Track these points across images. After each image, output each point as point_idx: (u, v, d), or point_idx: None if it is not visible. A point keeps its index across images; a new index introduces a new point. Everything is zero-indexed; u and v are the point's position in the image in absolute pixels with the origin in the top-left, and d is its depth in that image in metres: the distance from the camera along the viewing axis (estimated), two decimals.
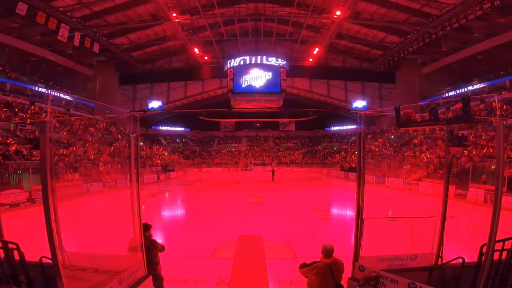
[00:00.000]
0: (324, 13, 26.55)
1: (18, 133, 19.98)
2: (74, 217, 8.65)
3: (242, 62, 36.33)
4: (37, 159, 15.35)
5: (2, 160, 15.01)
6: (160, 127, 44.99)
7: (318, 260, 3.24)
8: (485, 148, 16.23)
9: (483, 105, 23.84)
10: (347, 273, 3.50)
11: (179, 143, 45.84)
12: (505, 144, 11.99)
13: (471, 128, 19.27)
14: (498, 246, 2.85)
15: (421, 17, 24.84)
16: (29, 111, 24.63)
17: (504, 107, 21.04)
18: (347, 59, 38.32)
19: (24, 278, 3.08)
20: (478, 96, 23.48)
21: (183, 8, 26.26)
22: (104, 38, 28.31)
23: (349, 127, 43.72)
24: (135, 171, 3.83)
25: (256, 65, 36.52)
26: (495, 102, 23.08)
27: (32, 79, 28.93)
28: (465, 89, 28.35)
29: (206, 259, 6.26)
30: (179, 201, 16.69)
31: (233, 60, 36.44)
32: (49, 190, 2.61)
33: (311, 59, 36.32)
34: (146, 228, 3.93)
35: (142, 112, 36.02)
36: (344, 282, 3.34)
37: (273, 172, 25.92)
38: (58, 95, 29.76)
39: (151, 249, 3.90)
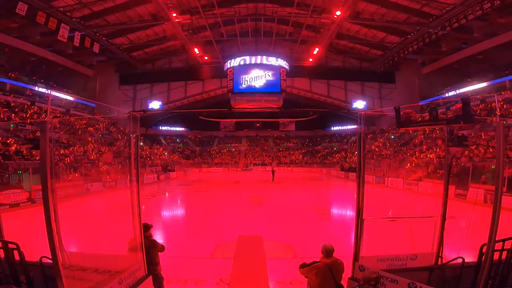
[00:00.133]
0: (324, 13, 26.55)
1: (18, 133, 19.98)
2: (74, 217, 8.65)
3: (242, 62, 36.34)
4: (37, 159, 15.36)
5: (2, 160, 15.02)
6: (160, 127, 44.99)
7: (318, 260, 3.24)
8: (484, 148, 16.23)
9: (483, 105, 23.83)
10: (347, 273, 3.51)
11: (179, 143, 45.85)
12: (505, 144, 11.99)
13: (471, 128, 19.26)
14: (498, 246, 2.85)
15: (421, 17, 24.85)
16: (29, 111, 24.63)
17: (505, 106, 21.04)
18: (347, 59, 38.32)
19: (24, 278, 3.08)
20: (478, 96, 23.47)
21: (183, 8, 26.26)
22: (104, 38, 28.31)
23: (349, 127, 43.73)
24: (135, 171, 3.83)
25: (256, 65, 36.52)
26: (495, 102, 23.08)
27: (32, 79, 28.93)
28: (465, 89, 28.35)
29: (206, 259, 6.26)
30: (179, 201, 16.69)
31: (233, 60, 36.44)
32: (49, 190, 2.62)
33: (311, 59, 36.33)
34: (146, 228, 3.93)
35: (142, 112, 36.00)
36: (344, 282, 3.34)
37: (273, 172, 25.92)
38: (58, 95, 29.77)
39: (151, 249, 3.90)
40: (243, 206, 13.48)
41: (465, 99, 3.32)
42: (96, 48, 26.44)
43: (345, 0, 23.64)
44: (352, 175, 25.58)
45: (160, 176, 26.65)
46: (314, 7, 25.82)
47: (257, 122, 46.00)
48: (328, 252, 3.22)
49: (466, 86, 28.47)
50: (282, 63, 36.70)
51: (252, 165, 41.85)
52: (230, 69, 36.63)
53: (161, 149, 39.49)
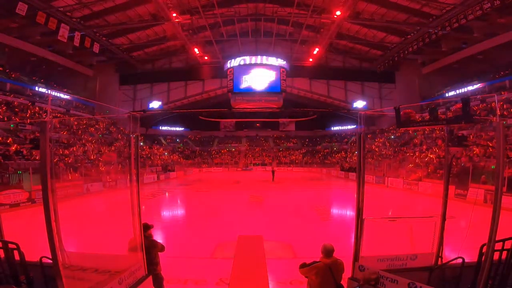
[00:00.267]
0: (324, 13, 26.56)
1: (18, 133, 19.98)
2: (74, 217, 8.65)
3: (242, 62, 36.34)
4: (37, 159, 15.36)
5: (2, 160, 15.02)
6: (160, 127, 44.99)
7: (318, 260, 3.24)
8: (485, 148, 16.23)
9: (483, 105, 23.83)
10: (347, 273, 3.51)
11: (179, 143, 45.85)
12: (505, 144, 11.99)
13: (471, 128, 19.27)
14: (498, 246, 2.85)
15: (421, 17, 24.85)
16: (29, 111, 24.64)
17: (505, 106, 21.05)
18: (347, 59, 38.33)
19: (24, 278, 3.08)
20: (478, 96, 23.48)
21: (183, 8, 26.27)
22: (104, 38, 28.32)
23: (349, 127, 43.72)
24: (135, 171, 3.83)
25: (256, 65, 36.52)
26: (495, 102, 23.07)
27: (32, 79, 28.94)
28: (465, 89, 28.35)
29: (206, 259, 6.26)
30: (179, 201, 16.69)
31: (233, 60, 36.45)
32: (49, 190, 2.61)
33: (311, 59, 36.34)
34: (146, 228, 3.93)
35: (142, 112, 36.03)
36: (344, 282, 3.34)
37: (273, 172, 25.92)
38: (58, 95, 29.78)
39: (151, 249, 3.90)
40: (243, 206, 13.48)
41: (465, 99, 3.31)
42: (96, 48, 26.45)
43: (345, 0, 23.65)
44: (352, 175, 25.57)
45: (160, 176, 26.65)
46: (314, 7, 25.83)
47: (257, 122, 45.98)
48: (328, 252, 3.22)
49: (466, 86, 28.48)
50: (282, 63, 36.69)
51: (252, 165, 41.85)
52: (230, 69, 36.63)
53: (161, 149, 39.49)
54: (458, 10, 21.33)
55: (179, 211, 13.59)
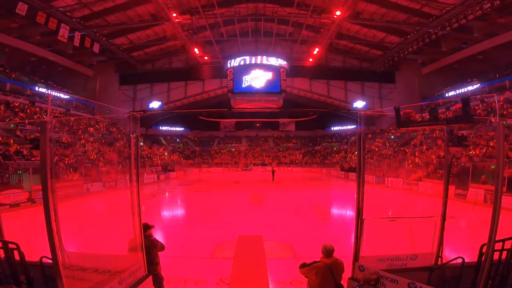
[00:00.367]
0: (324, 13, 26.56)
1: (18, 133, 19.99)
2: (74, 217, 8.65)
3: (242, 62, 36.35)
4: (37, 159, 15.35)
5: (2, 160, 15.02)
6: (160, 127, 44.99)
7: (318, 260, 3.24)
8: (485, 148, 16.23)
9: (483, 105, 23.84)
10: (347, 273, 3.51)
11: (179, 143, 45.86)
12: (505, 144, 11.99)
13: (471, 128, 19.27)
14: (498, 246, 2.85)
15: (421, 17, 24.86)
16: (29, 111, 24.64)
17: (505, 106, 21.05)
18: (347, 59, 38.34)
19: (24, 278, 3.08)
20: (478, 96, 23.49)
21: (183, 8, 26.28)
22: (104, 38, 28.32)
23: (349, 127, 43.73)
24: (135, 171, 3.83)
25: (256, 65, 36.52)
26: (495, 102, 23.06)
27: (32, 79, 28.95)
28: (465, 89, 28.35)
29: (206, 259, 6.26)
30: (179, 201, 16.69)
31: (233, 60, 36.45)
32: (49, 190, 2.61)
33: (311, 59, 36.34)
34: (146, 228, 3.93)
35: (142, 112, 36.04)
36: (344, 282, 3.34)
37: (273, 172, 25.93)
38: (58, 95, 29.78)
39: (151, 249, 3.90)
40: (243, 206, 13.48)
41: (465, 99, 3.31)
42: (96, 48, 26.46)
43: (345, 0, 23.65)
44: (352, 175, 25.57)
45: (160, 176, 26.66)
46: (314, 7, 25.83)
47: (257, 122, 45.99)
48: (328, 252, 3.22)
49: (466, 86, 28.48)
50: (282, 63, 36.71)
51: (252, 165, 41.85)
52: (230, 69, 36.64)
53: (161, 149, 39.49)
54: (458, 10, 21.33)
55: (179, 211, 13.59)
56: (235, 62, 36.44)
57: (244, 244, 6.32)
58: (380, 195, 16.38)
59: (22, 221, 9.30)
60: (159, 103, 39.78)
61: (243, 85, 36.85)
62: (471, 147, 16.70)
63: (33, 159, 16.39)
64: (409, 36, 27.87)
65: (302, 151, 44.89)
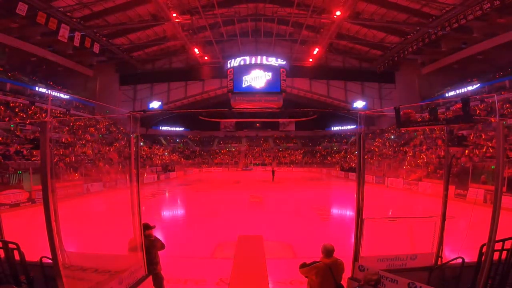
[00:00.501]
0: (324, 13, 26.56)
1: (18, 133, 19.99)
2: (74, 217, 8.65)
3: (242, 62, 36.35)
4: (38, 159, 15.36)
5: (2, 160, 15.03)
6: (160, 127, 44.99)
7: (318, 260, 3.24)
8: (484, 148, 16.23)
9: (483, 105, 23.85)
10: (347, 273, 3.51)
11: (179, 143, 45.86)
12: (505, 144, 12.00)
13: (471, 128, 19.27)
14: (498, 246, 2.86)
15: (421, 17, 24.86)
16: (29, 111, 24.64)
17: (505, 106, 21.05)
18: (347, 59, 38.34)
19: (24, 278, 3.08)
20: (478, 96, 23.49)
21: (183, 8, 26.27)
22: (104, 38, 28.33)
23: (349, 127, 43.73)
24: (135, 171, 3.83)
25: (256, 65, 36.52)
26: (495, 102, 23.05)
27: (32, 79, 28.95)
28: (465, 89, 28.36)
29: (206, 259, 6.26)
30: (179, 201, 16.70)
31: (233, 60, 36.46)
32: (49, 190, 2.62)
33: (311, 59, 36.34)
34: (146, 227, 3.93)
35: (142, 112, 36.05)
36: (344, 282, 3.34)
37: (273, 172, 25.92)
38: (58, 95, 29.78)
39: (151, 249, 3.90)
40: (243, 206, 13.48)
41: (465, 99, 3.31)
42: (96, 48, 26.46)
43: (345, 0, 23.65)
44: (352, 175, 25.58)
45: (160, 176, 26.66)
46: (314, 7, 25.84)
47: (257, 122, 45.99)
48: (328, 252, 3.22)
49: (466, 86, 28.49)
50: (282, 63, 36.70)
51: (252, 165, 41.84)
52: (230, 69, 36.64)
53: (161, 149, 39.48)
54: (458, 10, 21.33)
55: (179, 211, 13.60)
56: (235, 62, 36.44)
57: (244, 244, 6.31)
58: (380, 195, 16.38)
59: (22, 221, 9.31)
60: (159, 103, 39.78)
61: (243, 85, 36.85)
62: (470, 147, 16.71)
63: (33, 159, 16.39)
64: (409, 36, 27.87)
65: (302, 151, 44.89)
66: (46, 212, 2.54)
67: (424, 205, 12.92)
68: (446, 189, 3.92)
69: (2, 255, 3.01)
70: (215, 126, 44.34)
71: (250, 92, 36.86)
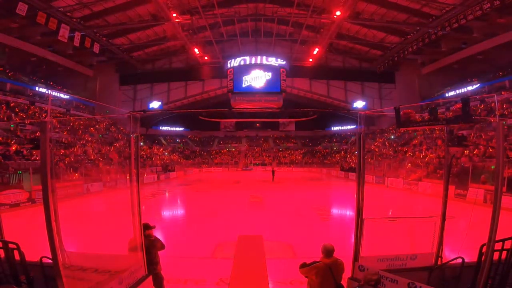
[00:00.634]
0: (324, 13, 26.57)
1: (18, 133, 19.99)
2: (74, 217, 8.66)
3: (242, 62, 36.35)
4: (38, 159, 15.36)
5: (2, 160, 15.03)
6: (160, 127, 45.01)
7: (318, 260, 3.24)
8: (483, 148, 16.23)
9: (483, 105, 23.85)
10: (347, 273, 3.51)
11: (179, 143, 45.86)
12: (505, 144, 12.01)
13: (471, 128, 19.27)
14: (498, 246, 2.85)
15: (421, 17, 24.86)
16: (29, 111, 24.64)
17: (504, 106, 21.06)
18: (347, 59, 38.34)
19: (24, 278, 3.08)
20: (478, 96, 23.50)
21: (183, 8, 26.28)
22: (104, 38, 28.33)
23: (349, 127, 43.74)
24: (135, 171, 3.83)
25: (256, 65, 36.53)
26: (495, 102, 23.05)
27: (32, 79, 28.95)
28: (465, 89, 28.37)
29: (206, 259, 6.26)
30: (179, 201, 16.70)
31: (233, 60, 36.46)
32: (49, 190, 2.61)
33: (311, 59, 36.34)
34: (146, 227, 3.94)
35: (142, 112, 36.05)
36: (344, 282, 3.34)
37: (273, 172, 25.92)
38: (58, 95, 29.78)
39: (151, 249, 3.90)
40: (243, 206, 13.48)
41: (465, 99, 3.31)
42: (96, 48, 26.46)
43: (345, 0, 23.65)
44: (352, 175, 25.58)
45: (160, 176, 26.66)
46: (314, 7, 25.84)
47: (257, 122, 46.01)
48: (328, 252, 3.22)
49: (466, 86, 28.49)
50: (282, 63, 36.70)
51: (252, 165, 41.85)
52: (230, 69, 36.64)
53: (161, 149, 39.49)
54: (458, 10, 21.33)
55: (179, 211, 13.60)
56: (235, 62, 36.44)
57: (244, 244, 6.31)
58: (380, 195, 16.38)
59: (22, 221, 9.31)
60: (159, 103, 39.79)
61: (243, 85, 36.85)
62: (470, 147, 16.71)
63: (33, 159, 16.40)
64: (409, 36, 27.87)
65: (302, 151, 44.90)
66: (46, 212, 2.54)
67: (424, 205, 12.92)
68: (446, 189, 3.92)
69: (2, 255, 3.01)
70: (215, 126, 44.36)
71: (250, 92, 36.86)
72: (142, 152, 30.35)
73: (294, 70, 38.03)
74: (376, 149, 31.13)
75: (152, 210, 12.18)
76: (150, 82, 40.39)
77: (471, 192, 12.63)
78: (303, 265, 3.28)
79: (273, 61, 36.46)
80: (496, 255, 2.87)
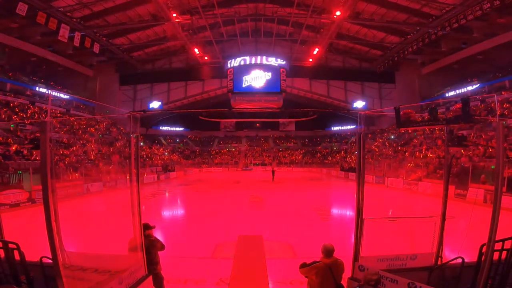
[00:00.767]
0: (324, 13, 26.57)
1: (18, 133, 19.99)
2: (74, 217, 8.66)
3: (242, 62, 36.35)
4: (38, 159, 15.36)
5: (2, 160, 15.03)
6: (160, 127, 45.02)
7: (318, 260, 3.24)
8: (483, 148, 16.23)
9: (483, 105, 23.85)
10: (347, 273, 3.51)
11: (179, 143, 45.87)
12: (505, 144, 12.01)
13: (471, 128, 19.27)
14: (498, 246, 2.86)
15: (421, 17, 24.86)
16: (29, 111, 24.64)
17: (504, 105, 21.06)
18: (347, 59, 38.34)
19: (24, 278, 3.08)
20: (478, 96, 23.50)
21: (183, 8, 26.28)
22: (104, 38, 28.33)
23: (349, 127, 43.75)
24: (135, 171, 3.83)
25: (256, 65, 36.53)
26: (495, 102, 23.05)
27: (32, 79, 28.95)
28: (465, 89, 28.37)
29: (206, 259, 6.26)
30: (179, 201, 16.70)
31: (233, 60, 36.47)
32: (49, 190, 2.61)
33: (311, 59, 36.34)
34: (146, 227, 3.94)
35: (142, 112, 36.06)
36: (344, 282, 3.34)
37: (273, 172, 25.93)
38: (58, 95, 29.79)
39: (151, 249, 3.90)
40: (243, 206, 13.48)
41: (465, 99, 3.31)
42: (96, 48, 26.47)
43: (345, 0, 23.65)
44: (352, 175, 25.58)
45: (160, 176, 26.67)
46: (314, 7, 25.84)
47: (257, 122, 46.01)
48: (328, 252, 3.22)
49: (466, 86, 28.50)
50: (282, 63, 36.70)
51: (252, 165, 41.85)
52: (230, 69, 36.65)
53: (161, 149, 39.50)
54: (458, 10, 21.34)
55: (179, 211, 13.60)
56: (235, 62, 36.44)
57: (244, 244, 6.32)
58: (380, 195, 16.38)
59: (22, 221, 9.31)
60: (159, 103, 39.80)
61: (243, 85, 36.85)
62: (470, 147, 16.71)
63: (33, 159, 16.40)
64: (409, 36, 27.87)
65: (302, 151, 44.90)
66: (46, 212, 2.54)
67: (424, 205, 12.91)
68: (446, 189, 3.92)
69: (2, 255, 3.01)
70: (215, 126, 44.36)
71: (250, 92, 36.86)
72: (142, 152, 30.36)
73: (294, 70, 38.03)
74: (376, 149, 31.13)
75: (152, 210, 12.19)
76: (150, 82, 40.40)
77: (471, 192, 12.63)
78: (303, 265, 3.28)
79: (273, 61, 36.46)
80: (496, 255, 2.87)
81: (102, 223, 8.98)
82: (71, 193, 14.31)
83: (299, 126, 43.93)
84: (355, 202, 3.69)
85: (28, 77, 28.53)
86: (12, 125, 20.18)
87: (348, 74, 39.07)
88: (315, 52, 33.72)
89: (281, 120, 44.01)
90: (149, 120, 42.45)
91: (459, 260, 3.50)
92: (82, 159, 20.98)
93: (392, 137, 32.10)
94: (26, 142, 18.63)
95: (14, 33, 23.51)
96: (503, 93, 23.33)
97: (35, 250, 3.29)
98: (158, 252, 4.09)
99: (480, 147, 16.73)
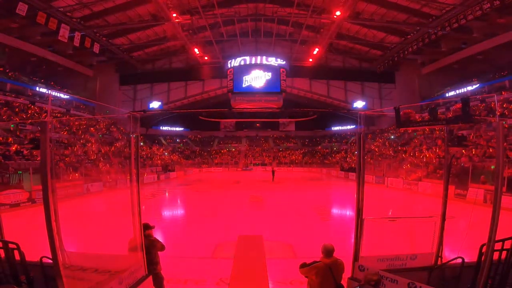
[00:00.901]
0: (324, 13, 26.57)
1: (18, 133, 20.00)
2: (74, 217, 8.66)
3: (242, 62, 36.35)
4: (38, 159, 15.36)
5: (2, 160, 15.04)
6: (160, 127, 45.02)
7: (318, 260, 3.24)
8: (481, 148, 16.23)
9: (483, 105, 23.85)
10: (347, 273, 3.51)
11: (179, 143, 45.87)
12: (505, 144, 12.01)
13: (471, 128, 19.27)
14: (498, 246, 2.86)
15: (421, 17, 24.87)
16: (29, 111, 24.65)
17: (504, 105, 21.06)
18: (347, 59, 38.35)
19: (24, 278, 3.08)
20: (478, 96, 23.51)
21: (183, 8, 26.28)
22: (104, 38, 28.33)
23: (349, 127, 43.74)
24: (135, 171, 3.83)
25: (256, 65, 36.52)
26: (495, 102, 23.05)
27: (32, 79, 28.96)
28: (465, 89, 28.38)
29: (206, 259, 6.26)
30: (179, 201, 16.70)
31: (233, 60, 36.47)
32: (49, 190, 2.62)
33: (311, 59, 36.35)
34: (147, 228, 3.94)
35: (142, 112, 36.06)
36: (344, 282, 3.34)
37: (273, 172, 25.92)
38: (58, 95, 29.80)
39: (151, 249, 3.90)
40: (243, 206, 13.48)
41: (464, 99, 3.32)
42: (96, 48, 26.47)
43: (345, 0, 23.65)
44: (352, 175, 25.57)
45: (160, 176, 26.67)
46: (314, 7, 25.84)
47: (257, 122, 46.00)
48: (328, 252, 3.22)
49: (466, 86, 28.50)
50: (282, 63, 36.69)
51: (252, 165, 41.84)
52: (230, 69, 36.65)
53: (161, 149, 39.50)
54: (458, 11, 21.34)
55: (179, 211, 13.60)
56: (235, 62, 36.44)
57: (244, 244, 6.32)
58: (380, 195, 16.37)
59: (22, 221, 9.31)
60: (159, 103, 39.80)
61: (243, 85, 36.84)
62: (470, 147, 16.72)
63: (33, 159, 16.40)
64: (409, 36, 27.88)
65: (302, 151, 44.90)
66: (46, 212, 2.54)
67: (424, 205, 12.91)
68: (446, 189, 3.93)
69: (2, 255, 3.01)
70: (215, 126, 44.35)
71: (250, 92, 36.85)
72: (142, 152, 30.36)
73: (294, 70, 38.03)
74: (376, 149, 31.14)
75: (152, 210, 12.19)
76: (150, 82, 40.41)
77: (471, 192, 12.63)
78: (303, 265, 3.28)
79: (273, 61, 36.45)
80: (496, 255, 2.87)
81: (102, 223, 8.98)
82: (71, 193, 14.31)
83: (299, 126, 43.92)
84: (355, 202, 3.69)
85: (28, 77, 28.53)
86: (12, 125, 20.19)
87: (348, 74, 39.08)
88: (315, 52, 33.72)
89: (281, 120, 44.00)
90: (149, 120, 42.45)
91: (459, 260, 3.50)
92: (82, 159, 20.98)
93: (392, 137, 32.11)
94: (26, 142, 18.64)
95: (14, 33, 23.52)
96: (503, 93, 23.34)
97: (35, 250, 3.29)
98: (158, 252, 4.09)
99: (478, 147, 16.73)
